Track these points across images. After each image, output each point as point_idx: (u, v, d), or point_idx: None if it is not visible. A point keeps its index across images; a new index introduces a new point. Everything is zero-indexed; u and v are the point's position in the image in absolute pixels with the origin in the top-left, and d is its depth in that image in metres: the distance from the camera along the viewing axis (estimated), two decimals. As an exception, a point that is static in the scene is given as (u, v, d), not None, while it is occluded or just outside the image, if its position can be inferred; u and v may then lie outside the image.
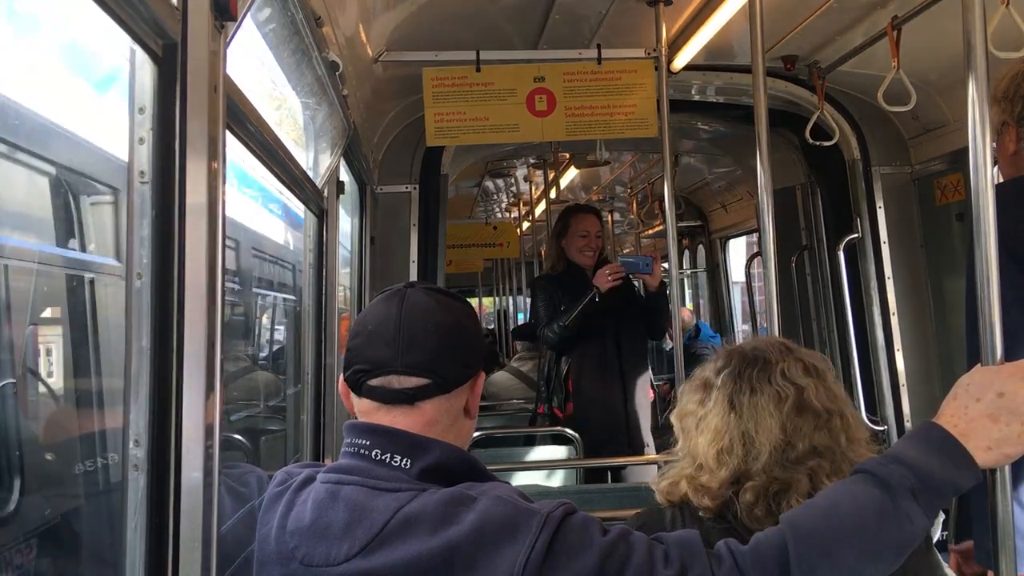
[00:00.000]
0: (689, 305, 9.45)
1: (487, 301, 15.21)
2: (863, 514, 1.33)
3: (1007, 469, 1.42)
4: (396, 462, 1.39)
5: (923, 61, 3.46)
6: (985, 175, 1.45)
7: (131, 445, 1.22)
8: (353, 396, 1.49)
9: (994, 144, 2.07)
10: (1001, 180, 2.10)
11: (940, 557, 1.84)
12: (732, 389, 1.66)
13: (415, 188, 4.27)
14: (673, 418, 1.76)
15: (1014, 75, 2.06)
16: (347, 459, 1.43)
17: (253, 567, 1.42)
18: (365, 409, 1.47)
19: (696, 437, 1.68)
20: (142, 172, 1.23)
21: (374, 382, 1.43)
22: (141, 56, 1.21)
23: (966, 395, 1.40)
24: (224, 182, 1.41)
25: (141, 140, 1.22)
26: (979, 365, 1.44)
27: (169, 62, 1.23)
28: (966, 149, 1.50)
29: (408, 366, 1.42)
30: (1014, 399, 1.36)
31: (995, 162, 2.02)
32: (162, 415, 1.25)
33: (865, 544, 1.31)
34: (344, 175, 3.36)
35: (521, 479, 3.80)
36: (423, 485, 1.36)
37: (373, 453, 1.40)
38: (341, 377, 1.52)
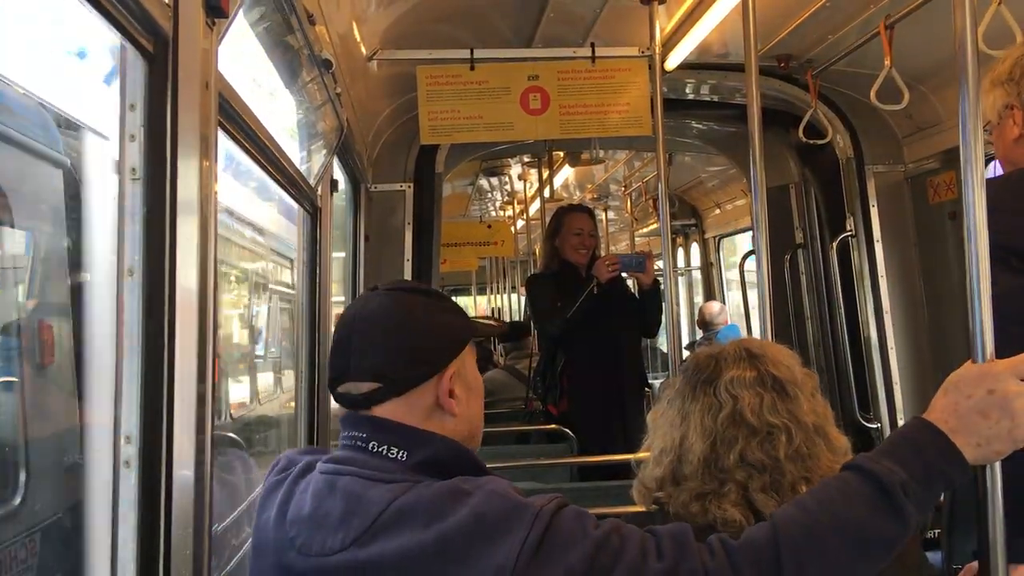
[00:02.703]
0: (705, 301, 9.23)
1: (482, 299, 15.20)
2: (853, 509, 1.33)
3: (997, 466, 1.43)
4: (392, 454, 1.41)
5: (916, 60, 3.47)
6: (976, 172, 1.45)
7: (122, 442, 1.22)
8: None
9: (989, 134, 2.05)
10: (996, 173, 2.09)
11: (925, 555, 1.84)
12: (683, 394, 1.67)
13: (409, 187, 4.27)
14: (648, 418, 1.77)
15: (1017, 57, 2.03)
16: (344, 451, 1.45)
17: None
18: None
19: (654, 436, 1.71)
20: (133, 169, 1.23)
21: (340, 389, 1.48)
22: (132, 53, 1.21)
23: (956, 391, 1.40)
24: (216, 179, 1.41)
25: (132, 137, 1.22)
26: (970, 361, 1.44)
27: (160, 59, 1.23)
28: (958, 148, 1.50)
29: (360, 372, 1.45)
30: (1004, 396, 1.36)
31: (988, 160, 2.01)
32: (153, 412, 1.25)
33: (855, 539, 1.32)
34: (338, 173, 3.36)
35: (515, 476, 3.80)
36: (418, 478, 1.37)
37: (370, 445, 1.42)
38: None
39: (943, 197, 4.08)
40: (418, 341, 1.48)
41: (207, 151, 1.32)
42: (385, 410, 1.45)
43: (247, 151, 1.95)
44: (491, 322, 9.15)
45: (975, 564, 2.14)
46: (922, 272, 4.27)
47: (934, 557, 2.57)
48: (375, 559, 1.28)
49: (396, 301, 1.49)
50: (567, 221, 4.60)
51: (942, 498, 2.32)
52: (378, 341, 1.45)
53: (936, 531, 2.68)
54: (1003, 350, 1.43)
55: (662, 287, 4.70)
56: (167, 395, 1.26)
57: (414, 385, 1.46)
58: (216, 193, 1.35)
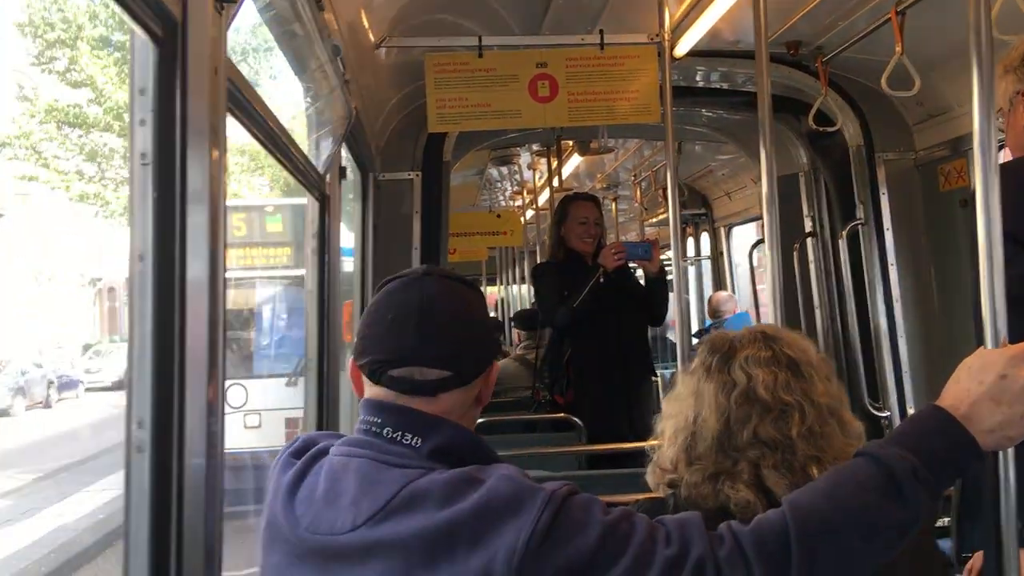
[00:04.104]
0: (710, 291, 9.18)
1: (494, 289, 15.20)
2: (865, 495, 1.33)
3: (1011, 452, 1.42)
4: (407, 440, 1.40)
5: (927, 46, 3.44)
6: (990, 158, 1.44)
7: (135, 427, 1.23)
8: (367, 383, 1.48)
9: (1001, 121, 2.03)
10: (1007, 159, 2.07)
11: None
12: (697, 373, 1.68)
13: (417, 175, 4.26)
14: (664, 402, 1.78)
15: None
16: (359, 435, 1.45)
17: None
18: (383, 396, 1.46)
19: (667, 419, 1.72)
20: (143, 154, 1.23)
21: (396, 372, 1.43)
22: (142, 37, 1.21)
23: (969, 378, 1.39)
24: (225, 166, 1.41)
25: (142, 122, 1.22)
26: (982, 348, 1.44)
27: (170, 44, 1.23)
28: (970, 135, 1.49)
29: (431, 358, 1.43)
30: (1017, 381, 1.35)
31: (1001, 145, 2.00)
32: (165, 398, 1.25)
33: (866, 525, 1.32)
34: (346, 161, 3.35)
35: (524, 464, 3.80)
36: (432, 465, 1.37)
37: (384, 431, 1.41)
38: (351, 361, 1.51)
39: (954, 184, 4.06)
40: (485, 336, 1.51)
41: (216, 137, 1.31)
42: (448, 399, 1.44)
43: (256, 137, 1.95)
44: None
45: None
46: (932, 260, 4.25)
47: (944, 545, 2.57)
48: (386, 539, 1.29)
49: (458, 291, 1.49)
50: (572, 209, 4.58)
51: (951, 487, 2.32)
52: (455, 330, 1.45)
53: (946, 519, 2.67)
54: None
55: (669, 275, 4.69)
56: (178, 381, 1.26)
57: (475, 377, 1.47)
58: (226, 179, 1.35)
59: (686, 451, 1.63)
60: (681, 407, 1.67)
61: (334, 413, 2.88)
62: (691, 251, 8.99)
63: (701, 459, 1.61)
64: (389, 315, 1.45)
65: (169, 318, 1.25)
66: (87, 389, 23.83)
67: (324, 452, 1.46)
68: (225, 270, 1.37)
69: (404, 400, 1.43)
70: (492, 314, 13.61)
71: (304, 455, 1.48)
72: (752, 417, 1.58)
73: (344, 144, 3.05)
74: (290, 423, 8.60)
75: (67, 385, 23.83)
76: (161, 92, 1.23)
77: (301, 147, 2.49)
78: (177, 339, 1.25)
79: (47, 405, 21.74)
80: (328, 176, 2.87)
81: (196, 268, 1.28)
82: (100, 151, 17.88)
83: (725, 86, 4.47)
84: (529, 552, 1.24)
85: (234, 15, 1.40)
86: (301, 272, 8.89)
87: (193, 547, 1.27)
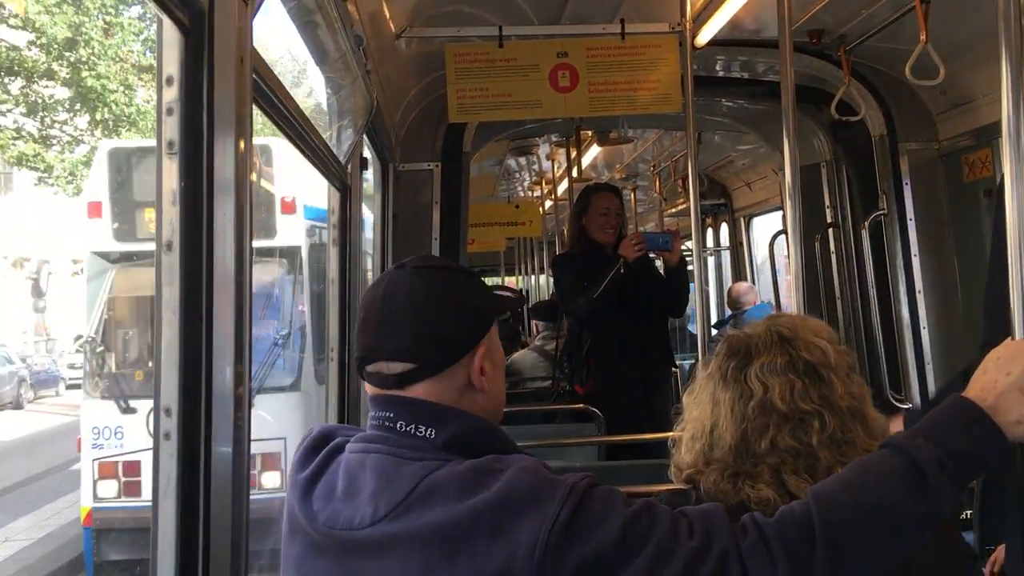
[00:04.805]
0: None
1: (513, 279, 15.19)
2: (890, 487, 1.32)
3: None
4: (421, 432, 1.40)
5: (952, 34, 3.40)
6: (1019, 146, 1.43)
7: (163, 415, 1.24)
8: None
9: None
10: None
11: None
12: (715, 379, 1.67)
13: (437, 166, 4.27)
14: (684, 399, 1.78)
15: None
16: (373, 431, 1.44)
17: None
18: (371, 391, 1.49)
19: (686, 419, 1.71)
20: (171, 143, 1.23)
21: (370, 368, 1.46)
22: (168, 25, 1.21)
23: (996, 369, 1.38)
24: (251, 155, 1.41)
25: (170, 111, 1.23)
26: (1010, 339, 1.43)
27: (197, 33, 1.24)
28: (995, 124, 1.48)
29: (392, 352, 1.43)
30: None
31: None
32: (192, 387, 1.26)
33: (891, 517, 1.31)
34: (367, 152, 3.36)
35: (544, 455, 3.80)
36: (448, 456, 1.37)
37: (398, 425, 1.41)
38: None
39: (978, 175, 4.02)
40: (450, 324, 1.46)
41: (243, 127, 1.32)
42: (418, 390, 1.43)
43: (279, 127, 1.96)
44: (507, 293, 8.84)
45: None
46: (956, 251, 4.21)
47: (967, 538, 2.56)
48: (406, 532, 1.29)
49: (426, 281, 1.47)
50: (594, 200, 4.57)
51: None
52: (410, 322, 1.43)
53: (968, 512, 2.66)
54: None
55: (689, 266, 4.67)
56: (205, 370, 1.27)
57: (448, 366, 1.45)
58: (251, 168, 1.36)
59: (703, 457, 1.64)
60: (699, 414, 1.67)
61: (355, 407, 2.89)
62: (710, 242, 8.96)
63: (719, 461, 1.61)
64: (362, 312, 1.49)
65: (196, 307, 1.26)
66: (68, 386, 22.18)
67: (340, 448, 1.46)
68: (252, 259, 1.38)
69: (390, 392, 1.44)
70: (511, 304, 13.55)
71: (321, 450, 1.48)
72: (770, 428, 1.58)
73: (365, 134, 3.06)
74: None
75: (44, 382, 22.55)
76: (188, 82, 1.24)
77: (323, 137, 2.50)
78: (204, 328, 1.26)
79: (17, 406, 20.20)
80: (349, 167, 2.88)
81: (223, 257, 1.28)
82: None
83: (746, 76, 4.45)
84: (551, 545, 1.24)
85: (259, 5, 1.40)
86: (261, 244, 6.96)
87: (220, 534, 1.28)
